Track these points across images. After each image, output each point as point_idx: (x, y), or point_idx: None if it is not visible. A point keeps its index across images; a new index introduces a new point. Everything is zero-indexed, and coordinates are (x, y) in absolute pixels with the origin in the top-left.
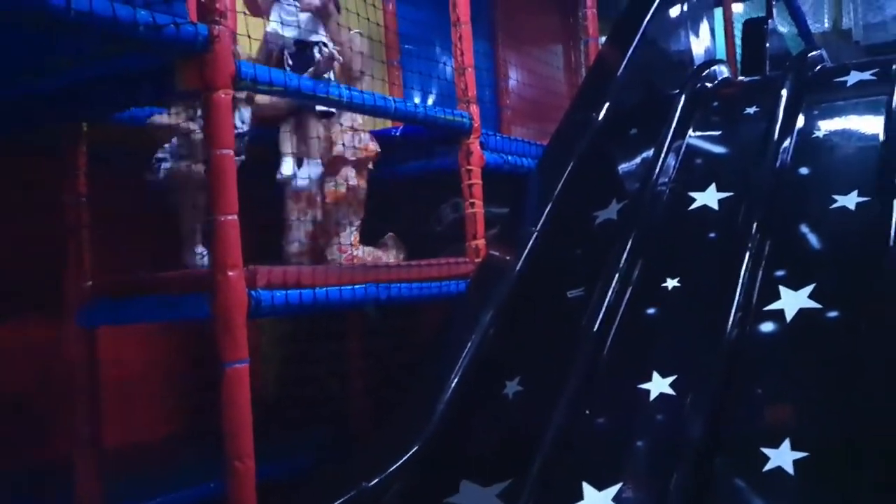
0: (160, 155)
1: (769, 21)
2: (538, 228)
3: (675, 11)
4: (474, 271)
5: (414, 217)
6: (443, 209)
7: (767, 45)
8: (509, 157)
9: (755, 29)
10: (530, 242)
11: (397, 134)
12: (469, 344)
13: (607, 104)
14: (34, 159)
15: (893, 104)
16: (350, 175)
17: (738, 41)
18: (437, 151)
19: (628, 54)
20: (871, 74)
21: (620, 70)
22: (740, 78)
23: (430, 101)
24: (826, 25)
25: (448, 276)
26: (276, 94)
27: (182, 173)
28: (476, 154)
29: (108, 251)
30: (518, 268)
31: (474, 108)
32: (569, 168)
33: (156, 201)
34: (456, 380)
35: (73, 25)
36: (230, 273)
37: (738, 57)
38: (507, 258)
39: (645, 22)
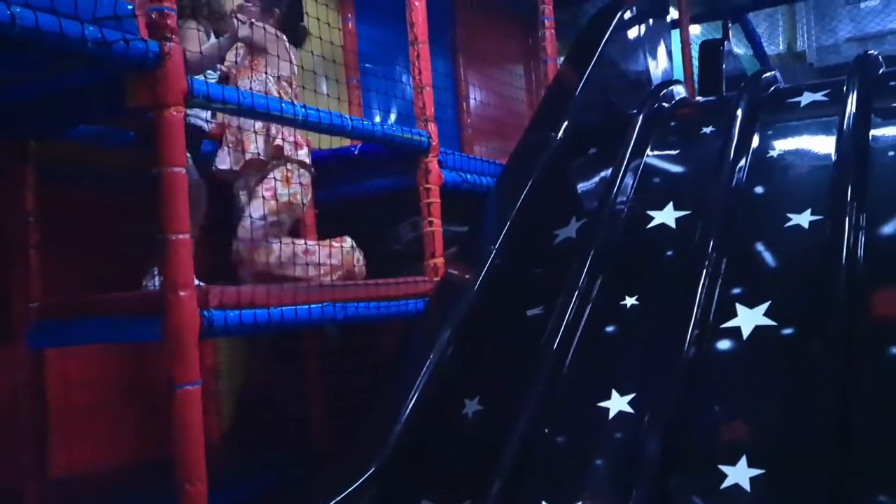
0: None
1: (725, 43)
2: (497, 247)
3: (632, 33)
4: (433, 290)
5: (373, 235)
6: (401, 228)
7: (724, 66)
8: (468, 176)
9: (711, 50)
10: (489, 261)
11: (356, 152)
12: (427, 363)
13: (566, 123)
14: None
15: (844, 124)
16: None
17: (695, 62)
18: (396, 170)
19: (586, 74)
20: (823, 95)
21: (578, 90)
22: (697, 98)
23: (391, 120)
24: (781, 47)
25: (406, 294)
26: (229, 111)
27: None
28: (434, 172)
29: (58, 270)
30: (477, 286)
31: (432, 127)
32: (528, 187)
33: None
34: (413, 400)
35: (18, 41)
36: (181, 293)
37: (696, 77)
38: (466, 277)
39: (602, 43)
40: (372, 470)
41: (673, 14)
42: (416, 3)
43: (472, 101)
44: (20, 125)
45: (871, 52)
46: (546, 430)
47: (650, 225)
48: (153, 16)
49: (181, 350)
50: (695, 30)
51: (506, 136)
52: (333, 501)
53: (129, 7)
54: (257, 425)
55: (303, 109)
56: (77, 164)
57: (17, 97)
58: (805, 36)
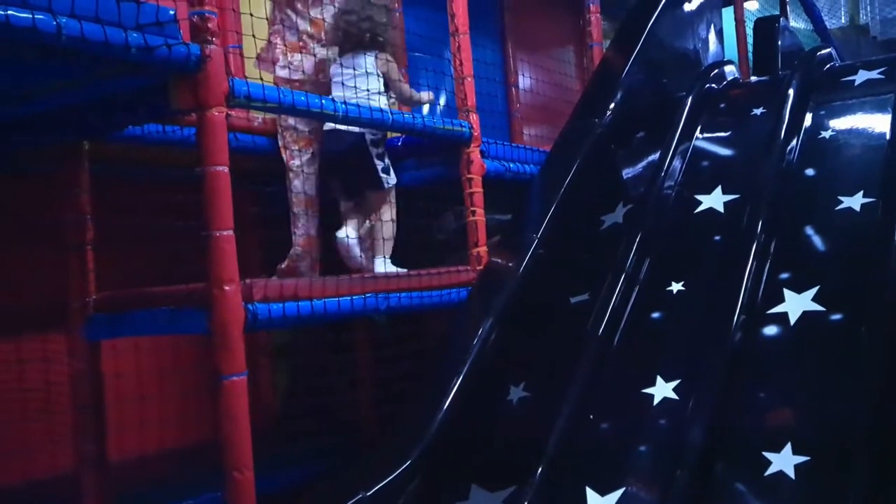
0: None
1: (780, 19)
2: (539, 235)
3: (681, 13)
4: (476, 279)
5: (417, 225)
6: (445, 217)
7: (780, 43)
8: (511, 165)
9: (766, 28)
10: (531, 249)
11: (399, 144)
12: (470, 351)
13: (611, 109)
14: (40, 178)
15: None
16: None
17: (750, 40)
18: (439, 160)
19: (632, 58)
20: (879, 73)
21: (624, 73)
22: (748, 79)
23: (440, 107)
24: (843, 21)
25: (449, 284)
26: (271, 110)
27: None
28: (476, 163)
29: (114, 264)
30: (520, 275)
31: (474, 117)
32: (571, 174)
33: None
34: (456, 387)
35: (64, 51)
36: (226, 287)
37: (751, 56)
38: (509, 265)
39: (649, 25)
40: (414, 457)
41: None
42: None
43: (521, 87)
44: (71, 128)
45: None
46: (591, 416)
47: (698, 209)
48: (195, 19)
49: (227, 342)
50: (752, 6)
51: (557, 120)
52: (375, 489)
53: (171, 12)
54: (310, 413)
55: (343, 105)
56: (129, 162)
57: (67, 101)
58: (868, 8)
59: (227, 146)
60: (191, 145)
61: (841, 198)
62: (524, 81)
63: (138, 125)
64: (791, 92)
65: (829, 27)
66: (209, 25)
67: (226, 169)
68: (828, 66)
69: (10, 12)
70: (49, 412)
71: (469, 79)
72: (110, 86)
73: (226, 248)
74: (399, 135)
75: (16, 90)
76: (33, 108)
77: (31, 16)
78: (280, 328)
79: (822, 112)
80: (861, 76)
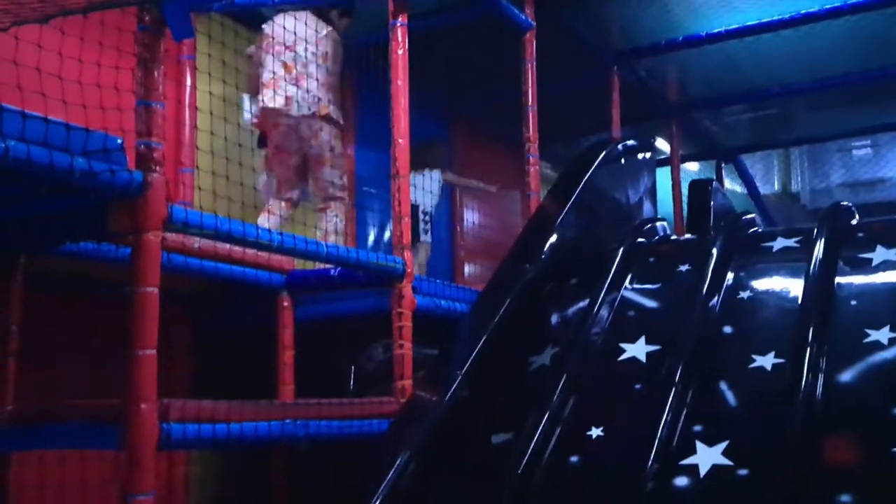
0: None
1: (713, 182)
2: (463, 372)
3: (618, 169)
4: (398, 412)
5: (348, 354)
6: (374, 348)
7: (712, 203)
8: (442, 302)
9: (700, 189)
10: (455, 385)
11: (335, 274)
12: (384, 485)
13: (544, 255)
14: None
15: (811, 271)
16: None
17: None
18: (373, 293)
19: (566, 208)
20: (795, 241)
21: (558, 222)
22: (682, 236)
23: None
24: (776, 188)
25: (371, 414)
26: (207, 236)
27: None
28: (408, 298)
29: (38, 375)
30: (442, 410)
31: (408, 254)
32: (500, 314)
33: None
34: None
35: (10, 171)
36: (143, 405)
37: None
38: (433, 399)
39: (585, 179)
40: None
41: (665, 151)
42: (400, 141)
43: (466, 225)
44: (9, 241)
45: (844, 202)
46: None
47: (622, 357)
48: (142, 148)
49: (138, 461)
50: (693, 167)
51: (501, 258)
52: None
53: (119, 141)
54: None
55: (278, 235)
56: (62, 276)
57: (6, 215)
58: (799, 179)
59: (159, 268)
60: (124, 263)
61: (754, 356)
62: (470, 218)
63: (76, 243)
64: (715, 251)
65: (763, 192)
66: (154, 155)
67: (156, 290)
68: (750, 230)
69: None
70: None
71: (406, 219)
72: (53, 204)
73: (146, 368)
74: (334, 266)
75: None
76: None
77: None
78: (194, 449)
79: (742, 273)
80: (779, 243)
